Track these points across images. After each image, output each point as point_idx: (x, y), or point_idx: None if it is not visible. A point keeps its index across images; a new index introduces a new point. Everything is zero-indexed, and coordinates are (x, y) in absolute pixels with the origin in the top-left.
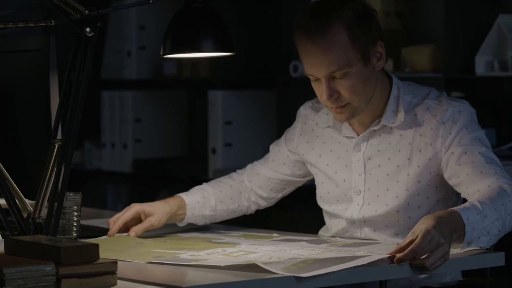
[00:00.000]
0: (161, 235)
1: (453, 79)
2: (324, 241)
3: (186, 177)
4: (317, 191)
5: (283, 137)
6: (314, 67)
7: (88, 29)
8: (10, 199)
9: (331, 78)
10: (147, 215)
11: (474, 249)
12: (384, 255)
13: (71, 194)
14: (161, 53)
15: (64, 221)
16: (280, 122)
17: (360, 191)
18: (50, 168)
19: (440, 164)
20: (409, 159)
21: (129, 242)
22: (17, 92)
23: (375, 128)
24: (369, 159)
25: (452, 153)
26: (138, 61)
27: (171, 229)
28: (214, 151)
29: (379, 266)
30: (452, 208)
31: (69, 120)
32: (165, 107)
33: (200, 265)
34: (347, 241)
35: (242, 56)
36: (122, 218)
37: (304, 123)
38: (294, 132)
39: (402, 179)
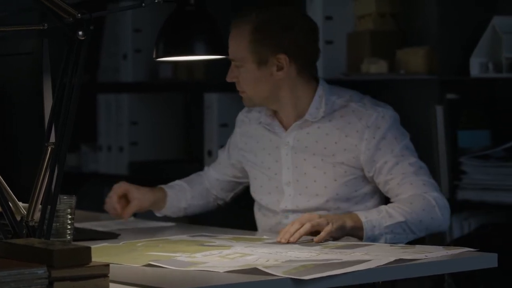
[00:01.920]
0: (152, 240)
1: (447, 80)
2: (316, 244)
3: None
4: (251, 188)
5: (227, 143)
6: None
7: (80, 33)
8: (3, 201)
9: (234, 63)
10: (132, 197)
11: (466, 251)
12: (383, 261)
13: (65, 197)
14: (154, 56)
15: (58, 224)
16: None
17: (289, 182)
18: (43, 171)
19: (362, 163)
20: (333, 155)
21: (122, 249)
22: (11, 95)
23: (299, 122)
24: (295, 153)
25: (385, 162)
26: (134, 64)
27: (160, 233)
28: (210, 153)
29: (380, 267)
30: (353, 212)
31: (62, 123)
32: (161, 109)
33: (200, 270)
34: (339, 243)
35: None
36: (115, 195)
37: (240, 126)
38: (235, 137)
39: (329, 171)
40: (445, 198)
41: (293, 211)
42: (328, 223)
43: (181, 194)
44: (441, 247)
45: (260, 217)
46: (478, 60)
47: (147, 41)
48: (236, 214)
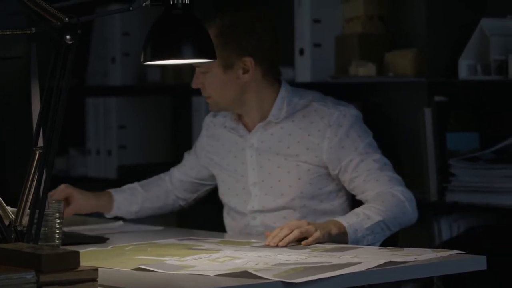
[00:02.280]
0: (140, 244)
1: (436, 83)
2: (304, 247)
3: None
4: (219, 191)
5: (193, 146)
6: None
7: (68, 37)
8: None
9: (199, 70)
10: (71, 200)
11: (455, 253)
12: (373, 263)
13: (53, 201)
14: (142, 60)
15: (46, 228)
16: None
17: (255, 183)
18: (31, 175)
19: (326, 161)
20: (297, 155)
21: (110, 253)
22: None
23: (262, 124)
24: (260, 154)
25: (351, 160)
26: (122, 68)
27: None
28: None
29: (370, 270)
30: (334, 218)
31: (50, 127)
32: (149, 113)
33: (190, 274)
34: (328, 246)
35: None
36: (56, 197)
37: (207, 129)
38: (201, 140)
39: (293, 170)
40: (409, 191)
41: (260, 212)
42: (316, 230)
43: (132, 198)
44: (429, 249)
45: (229, 222)
46: (466, 62)
47: (135, 45)
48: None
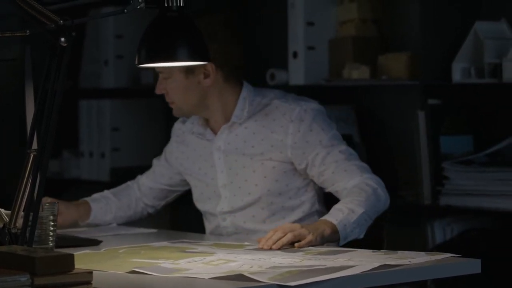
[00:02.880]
0: (133, 246)
1: (429, 86)
2: (298, 249)
3: None
4: (193, 196)
5: (163, 152)
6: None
7: (62, 39)
8: None
9: (162, 76)
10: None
11: (449, 256)
12: (368, 267)
13: (47, 204)
14: (136, 62)
15: (40, 231)
16: None
17: (225, 185)
18: (26, 178)
19: (291, 157)
20: (262, 153)
21: (104, 256)
22: None
23: (226, 126)
24: (227, 156)
25: (317, 154)
26: (115, 70)
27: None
28: None
29: (365, 273)
30: (321, 218)
31: (44, 130)
32: (143, 115)
33: (184, 277)
34: (321, 249)
35: None
36: None
37: (177, 136)
38: (171, 146)
39: (258, 168)
40: (377, 176)
41: (230, 212)
42: (309, 233)
43: (107, 207)
44: (423, 252)
45: (205, 224)
46: (460, 65)
47: (128, 47)
48: None
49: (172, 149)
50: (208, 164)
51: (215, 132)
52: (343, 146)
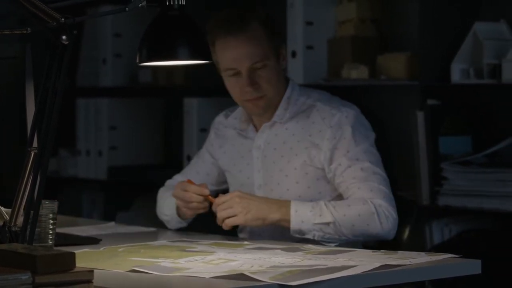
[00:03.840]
0: (133, 245)
1: (428, 86)
2: (298, 249)
3: (162, 185)
4: (229, 191)
5: (204, 149)
6: (237, 60)
7: (64, 37)
8: None
9: (252, 69)
10: None
11: (449, 257)
12: (368, 267)
13: (47, 202)
14: (137, 61)
15: (40, 229)
16: None
17: (260, 185)
18: (26, 176)
19: (323, 163)
20: (296, 155)
21: (103, 254)
22: None
23: (268, 124)
24: (265, 156)
25: (340, 164)
26: (113, 69)
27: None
28: (189, 158)
29: (366, 273)
30: (288, 200)
31: (45, 128)
32: (140, 114)
33: (185, 276)
34: (321, 248)
35: None
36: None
37: (217, 129)
38: (210, 140)
39: (290, 173)
40: (392, 208)
41: None
42: (240, 214)
43: None
44: (423, 253)
45: None
46: (459, 66)
47: (126, 46)
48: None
49: (210, 143)
50: (244, 162)
51: (257, 130)
52: (368, 164)
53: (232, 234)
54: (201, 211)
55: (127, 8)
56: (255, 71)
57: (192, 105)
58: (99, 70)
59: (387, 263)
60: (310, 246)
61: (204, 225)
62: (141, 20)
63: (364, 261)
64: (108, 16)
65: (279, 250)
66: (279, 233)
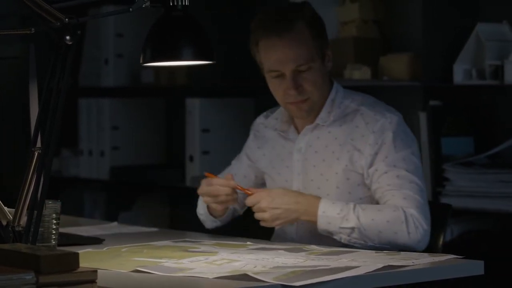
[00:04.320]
0: (136, 245)
1: (431, 87)
2: (301, 249)
3: (164, 185)
4: None
5: (242, 150)
6: (281, 61)
7: (68, 37)
8: None
9: (296, 71)
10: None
11: (451, 258)
12: (371, 267)
13: (50, 202)
14: (141, 61)
15: (43, 229)
16: None
17: (299, 189)
18: (30, 176)
19: (364, 168)
20: (338, 159)
21: (106, 254)
22: None
23: (310, 127)
24: (306, 159)
25: (376, 169)
26: (115, 69)
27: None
28: (191, 158)
29: (369, 273)
30: (320, 197)
31: (48, 128)
32: (142, 114)
33: (188, 276)
34: (324, 249)
35: (220, 64)
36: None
37: (257, 130)
38: (248, 142)
39: (331, 178)
40: (425, 220)
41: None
42: (271, 221)
43: None
44: (426, 254)
45: None
46: (461, 67)
47: (129, 46)
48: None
49: (249, 144)
50: (284, 165)
51: (298, 131)
52: (404, 172)
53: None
54: (231, 203)
55: (131, 9)
56: (299, 73)
57: (194, 105)
58: (101, 70)
59: (390, 263)
60: (313, 246)
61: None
62: (143, 20)
63: (367, 261)
64: (110, 16)
65: (282, 251)
66: (313, 239)
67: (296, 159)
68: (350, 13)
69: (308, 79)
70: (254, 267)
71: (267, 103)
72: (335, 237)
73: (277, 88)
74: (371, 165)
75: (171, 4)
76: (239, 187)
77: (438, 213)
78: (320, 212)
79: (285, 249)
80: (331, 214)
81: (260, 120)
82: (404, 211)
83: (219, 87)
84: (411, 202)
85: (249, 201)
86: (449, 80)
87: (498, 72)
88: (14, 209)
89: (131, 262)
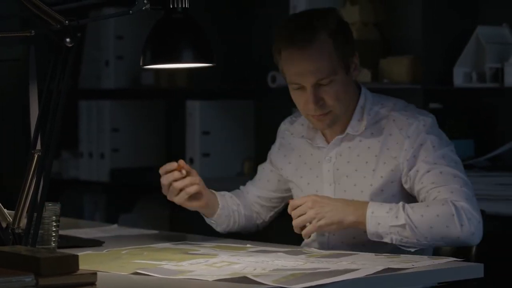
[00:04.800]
0: (136, 248)
1: (431, 90)
2: (300, 252)
3: None
4: None
5: (268, 156)
6: (301, 75)
7: (68, 40)
8: None
9: (317, 85)
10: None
11: (451, 260)
12: (371, 270)
13: (50, 204)
14: (141, 63)
15: (43, 231)
16: (258, 132)
17: None
18: (30, 178)
19: (401, 175)
20: (373, 170)
21: (106, 257)
22: None
23: (340, 137)
24: (338, 169)
25: (417, 170)
26: (115, 71)
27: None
28: (191, 161)
29: (369, 276)
30: (365, 201)
31: (48, 130)
32: (142, 116)
33: (188, 278)
34: (324, 252)
35: (220, 66)
36: (189, 184)
37: (282, 137)
38: (274, 148)
39: (366, 189)
40: (476, 211)
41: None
42: (316, 220)
43: (227, 198)
44: (426, 256)
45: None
46: (462, 69)
47: (129, 48)
48: None
49: (274, 151)
50: (313, 174)
51: (326, 138)
52: (446, 168)
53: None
54: (191, 188)
55: (131, 11)
56: (320, 86)
57: (194, 107)
58: (101, 72)
59: (390, 266)
60: (312, 249)
61: (205, 228)
62: (143, 22)
63: (367, 264)
64: (111, 18)
65: (282, 253)
66: (351, 245)
67: (327, 169)
68: (351, 15)
69: (330, 92)
70: (254, 269)
71: (267, 105)
72: (385, 239)
73: (298, 100)
74: (410, 168)
75: (171, 6)
76: (182, 165)
77: None
78: (369, 212)
79: (285, 252)
80: (380, 214)
81: (285, 126)
82: (454, 204)
83: (219, 89)
84: (460, 195)
85: (293, 203)
86: (449, 83)
87: (498, 74)
88: (14, 211)
89: (131, 264)
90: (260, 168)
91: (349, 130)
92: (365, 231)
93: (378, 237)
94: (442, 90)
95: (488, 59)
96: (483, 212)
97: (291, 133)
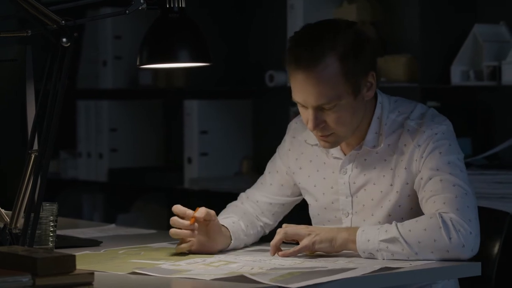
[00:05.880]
0: (133, 247)
1: (428, 88)
2: None
3: (162, 187)
4: (310, 212)
5: (277, 157)
6: (303, 97)
7: (64, 39)
8: None
9: (319, 107)
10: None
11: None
12: (368, 269)
13: (47, 204)
14: (138, 63)
15: (40, 231)
16: (256, 131)
17: (348, 213)
18: (27, 178)
19: (415, 188)
20: (391, 185)
21: (104, 256)
22: None
23: (358, 151)
24: (354, 183)
25: (421, 178)
26: (113, 71)
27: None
28: (189, 160)
29: (366, 275)
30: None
31: (45, 130)
32: (140, 116)
33: (186, 278)
34: None
35: (218, 65)
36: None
37: (293, 137)
38: (284, 148)
39: (385, 205)
40: (469, 222)
41: None
42: (308, 235)
43: (236, 225)
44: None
45: None
46: (459, 68)
47: (127, 48)
48: None
49: (284, 151)
50: (328, 185)
51: (341, 147)
52: (447, 175)
53: None
54: (183, 246)
55: (127, 11)
56: (323, 110)
57: (192, 107)
58: (99, 72)
59: (387, 265)
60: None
61: None
62: (141, 22)
63: (364, 263)
64: (108, 18)
65: (280, 252)
66: None
67: (343, 181)
68: (348, 14)
69: (332, 116)
70: (251, 268)
71: (265, 104)
72: (376, 256)
73: (302, 115)
74: (418, 179)
75: (167, 6)
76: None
77: (494, 219)
78: (359, 231)
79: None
80: (371, 231)
81: (298, 126)
82: (441, 216)
83: (217, 88)
84: (451, 206)
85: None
86: (447, 81)
87: (495, 73)
88: (11, 211)
89: (129, 264)
90: (272, 173)
91: (366, 144)
92: (355, 250)
93: (369, 254)
94: (440, 88)
95: (486, 58)
96: (483, 211)
97: (305, 139)
